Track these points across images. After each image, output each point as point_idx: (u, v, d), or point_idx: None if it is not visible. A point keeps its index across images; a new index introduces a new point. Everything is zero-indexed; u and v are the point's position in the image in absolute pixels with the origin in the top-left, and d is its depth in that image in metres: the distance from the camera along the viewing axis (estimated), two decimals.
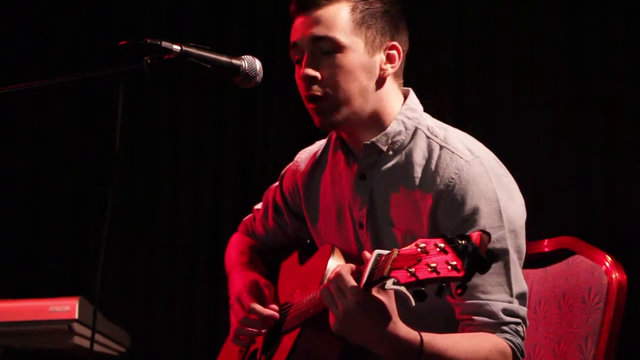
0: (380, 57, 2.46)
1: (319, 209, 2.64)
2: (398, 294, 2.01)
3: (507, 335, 2.31)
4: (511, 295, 2.33)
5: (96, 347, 4.02)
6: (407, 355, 2.16)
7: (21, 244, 5.13)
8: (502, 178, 2.41)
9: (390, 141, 2.47)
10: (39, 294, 4.19)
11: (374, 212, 2.48)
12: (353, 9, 2.44)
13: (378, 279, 2.02)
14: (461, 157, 2.39)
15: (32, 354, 4.04)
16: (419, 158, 2.44)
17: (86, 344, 3.92)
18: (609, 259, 2.61)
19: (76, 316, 3.88)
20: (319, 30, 2.43)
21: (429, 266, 1.90)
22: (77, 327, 3.89)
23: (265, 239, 2.90)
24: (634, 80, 4.19)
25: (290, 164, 2.80)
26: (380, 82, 2.46)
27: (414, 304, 1.95)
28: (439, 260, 1.90)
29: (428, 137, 2.46)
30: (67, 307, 3.90)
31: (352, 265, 2.18)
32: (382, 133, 2.47)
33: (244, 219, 2.99)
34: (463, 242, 1.90)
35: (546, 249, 2.75)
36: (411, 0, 2.57)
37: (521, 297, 2.35)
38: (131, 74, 2.32)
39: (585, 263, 2.65)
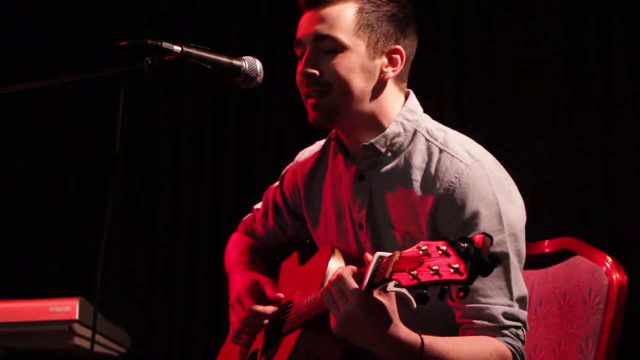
0: (382, 60, 2.46)
1: (319, 209, 2.64)
2: (399, 296, 2.01)
3: (508, 339, 2.31)
4: (511, 299, 2.33)
5: (96, 348, 4.02)
6: (407, 358, 2.17)
7: (22, 245, 5.13)
8: (502, 181, 2.40)
9: (389, 143, 2.47)
10: (40, 294, 4.20)
11: (373, 214, 2.48)
12: (359, 10, 2.44)
13: (380, 281, 2.02)
14: (461, 161, 2.38)
15: (33, 354, 4.04)
16: (418, 161, 2.43)
17: (86, 344, 3.92)
18: (610, 259, 2.61)
19: (76, 317, 3.89)
20: (322, 29, 2.44)
21: (431, 269, 1.90)
22: (77, 327, 3.90)
23: (265, 238, 2.90)
24: (634, 80, 4.19)
25: (291, 164, 2.80)
26: (380, 85, 2.46)
27: (415, 306, 1.95)
28: (441, 263, 1.90)
29: (427, 140, 2.46)
30: (67, 308, 3.90)
31: (354, 267, 2.17)
32: (381, 134, 2.46)
33: (244, 218, 2.99)
34: (465, 245, 1.90)
35: (546, 250, 2.75)
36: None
37: (521, 301, 2.35)
38: (132, 74, 2.32)
39: (586, 264, 2.65)
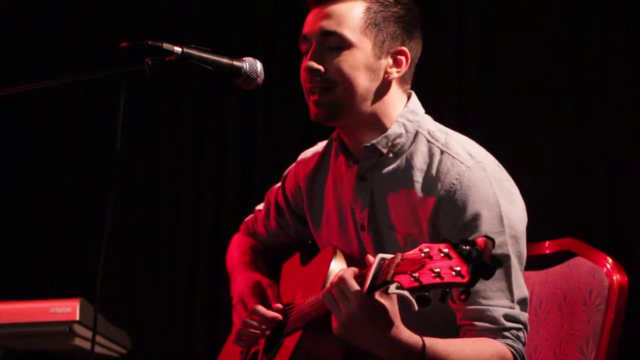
0: (388, 60, 2.46)
1: (321, 210, 2.64)
2: (401, 298, 2.01)
3: (508, 341, 2.31)
4: (512, 301, 2.33)
5: (97, 349, 4.03)
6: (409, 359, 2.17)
7: (22, 245, 5.13)
8: (503, 182, 2.40)
9: (390, 144, 2.47)
10: (40, 295, 4.20)
11: (375, 215, 2.48)
12: (367, 9, 2.44)
13: (381, 283, 2.02)
14: (462, 163, 2.38)
15: (33, 355, 4.04)
16: (419, 162, 2.43)
17: (87, 345, 3.93)
18: (610, 260, 2.61)
19: (77, 318, 3.89)
20: (328, 25, 2.44)
21: (432, 271, 1.90)
22: (78, 328, 3.90)
23: (267, 239, 2.90)
24: (634, 80, 4.19)
25: (293, 165, 2.80)
26: (384, 85, 2.46)
27: (417, 308, 1.95)
28: (443, 265, 1.90)
29: (429, 141, 2.46)
30: (68, 309, 3.90)
31: (356, 269, 2.17)
32: (383, 135, 2.46)
33: (246, 219, 2.99)
34: (467, 247, 1.90)
35: (547, 251, 2.75)
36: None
37: (522, 303, 2.35)
38: (132, 75, 2.31)
39: (586, 265, 2.64)
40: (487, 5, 4.48)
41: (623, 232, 4.11)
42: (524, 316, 2.34)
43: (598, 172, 4.20)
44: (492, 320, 2.31)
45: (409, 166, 2.44)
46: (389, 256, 2.04)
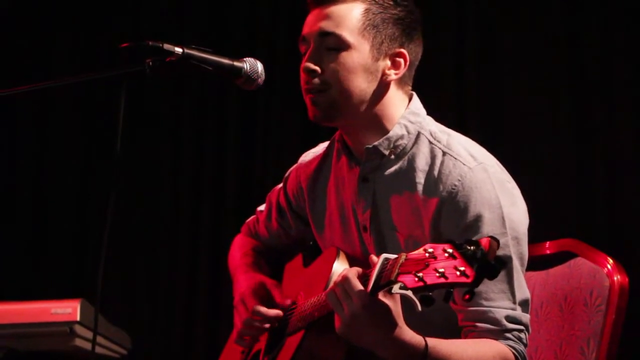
0: (386, 62, 2.46)
1: (323, 211, 2.64)
2: (404, 298, 2.01)
3: (510, 342, 2.31)
4: (514, 302, 2.33)
5: (97, 349, 4.03)
6: None
7: (23, 246, 5.13)
8: (505, 184, 2.40)
9: (392, 145, 2.47)
10: (41, 296, 4.20)
11: (377, 216, 2.48)
12: (366, 11, 2.44)
13: (385, 283, 2.02)
14: (464, 164, 2.38)
15: (34, 355, 4.04)
16: (421, 164, 2.43)
17: (88, 346, 3.93)
18: (611, 261, 2.61)
19: (78, 318, 3.89)
20: (327, 26, 2.44)
21: (437, 271, 1.90)
22: (78, 329, 3.90)
23: (269, 240, 2.90)
24: (634, 80, 4.19)
25: (294, 165, 2.80)
26: (382, 87, 2.46)
27: (420, 308, 1.95)
28: (447, 265, 1.89)
29: (431, 143, 2.45)
30: (68, 309, 3.90)
31: (359, 269, 2.17)
32: (384, 137, 2.46)
33: (247, 220, 2.99)
34: (472, 247, 1.90)
35: (548, 252, 2.75)
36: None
37: (524, 304, 2.35)
38: (133, 76, 2.31)
39: (587, 265, 2.64)
40: (487, 5, 4.48)
41: (623, 232, 4.11)
42: (526, 317, 2.35)
43: (598, 172, 4.20)
44: (494, 321, 2.31)
45: (411, 168, 2.44)
46: (392, 256, 2.04)
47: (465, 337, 2.34)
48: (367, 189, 2.49)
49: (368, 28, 2.44)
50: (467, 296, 1.90)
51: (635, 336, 3.56)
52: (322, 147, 2.73)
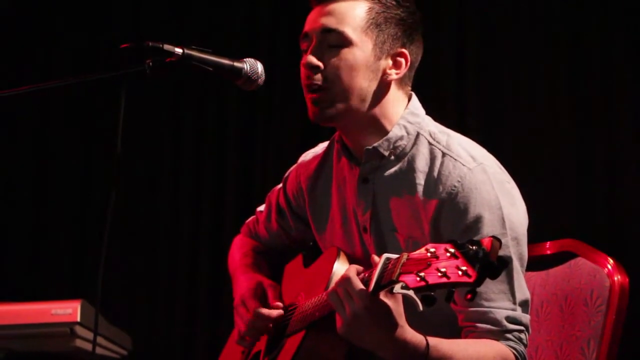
0: (387, 61, 2.45)
1: (324, 212, 2.64)
2: (405, 298, 2.01)
3: (511, 343, 2.31)
4: (514, 303, 2.33)
5: (98, 350, 4.03)
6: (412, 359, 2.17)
7: (23, 247, 5.13)
8: (505, 184, 2.40)
9: (392, 146, 2.46)
10: (41, 296, 4.20)
11: (377, 217, 2.48)
12: (370, 9, 2.44)
13: (387, 283, 2.01)
14: (464, 165, 2.38)
15: (34, 356, 4.04)
16: (421, 165, 2.43)
17: (88, 346, 3.93)
18: (611, 261, 2.61)
19: (78, 319, 3.89)
20: (329, 22, 2.43)
21: (439, 271, 1.89)
22: (79, 329, 3.90)
23: (269, 241, 2.90)
24: (635, 81, 4.20)
25: (294, 166, 2.79)
26: (382, 86, 2.46)
27: (421, 308, 1.95)
28: (449, 265, 1.89)
29: (430, 143, 2.45)
30: (69, 310, 3.90)
31: (360, 269, 2.17)
32: (384, 138, 2.46)
33: (247, 221, 2.99)
34: (474, 247, 1.89)
35: (548, 252, 2.75)
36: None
37: (524, 305, 2.35)
38: (133, 76, 2.31)
39: (587, 265, 2.64)
40: (487, 5, 4.48)
41: (623, 233, 4.11)
42: (526, 318, 2.35)
43: (598, 172, 4.20)
44: (494, 322, 2.31)
45: (410, 169, 2.44)
46: (394, 256, 2.04)
47: (465, 337, 2.34)
48: (367, 189, 2.49)
49: (371, 26, 2.43)
50: (469, 296, 1.90)
51: (636, 336, 3.57)
52: (321, 147, 2.73)
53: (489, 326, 2.31)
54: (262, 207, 2.92)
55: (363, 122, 2.46)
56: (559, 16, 4.35)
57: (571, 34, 4.33)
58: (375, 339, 2.14)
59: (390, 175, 2.46)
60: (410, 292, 1.94)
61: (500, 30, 4.46)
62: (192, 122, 5.05)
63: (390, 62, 2.46)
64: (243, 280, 2.74)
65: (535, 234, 2.54)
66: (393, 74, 2.46)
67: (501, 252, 2.24)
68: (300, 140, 4.67)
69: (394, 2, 2.47)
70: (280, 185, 2.84)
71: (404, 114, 2.48)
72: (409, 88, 2.52)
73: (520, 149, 4.27)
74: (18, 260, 5.09)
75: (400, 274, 1.95)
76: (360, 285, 2.11)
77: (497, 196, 2.35)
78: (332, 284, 2.22)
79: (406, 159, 2.46)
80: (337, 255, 2.48)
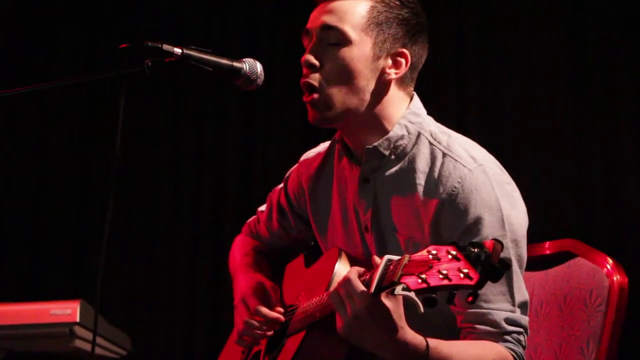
0: (387, 61, 2.45)
1: (325, 211, 2.64)
2: (405, 299, 2.01)
3: (510, 345, 2.31)
4: (513, 305, 2.33)
5: (97, 350, 4.03)
6: None
7: (22, 247, 5.13)
8: (505, 186, 2.40)
9: (392, 146, 2.46)
10: (41, 297, 4.20)
11: (378, 216, 2.47)
12: (372, 8, 2.44)
13: (388, 284, 2.01)
14: (464, 166, 2.38)
15: (34, 356, 4.04)
16: (422, 165, 2.43)
17: (87, 347, 3.93)
18: (610, 261, 2.61)
19: (77, 319, 3.89)
20: (330, 20, 2.43)
21: (440, 273, 1.89)
22: (78, 330, 3.90)
23: (270, 241, 2.90)
24: (635, 80, 4.19)
25: (295, 165, 2.79)
26: (381, 85, 2.45)
27: (422, 310, 1.95)
28: (451, 267, 1.89)
29: (431, 144, 2.45)
30: (68, 311, 3.90)
31: (362, 269, 2.17)
32: (385, 137, 2.46)
33: (248, 221, 2.99)
34: (476, 250, 1.89)
35: (547, 252, 2.75)
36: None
37: (523, 306, 2.35)
38: (132, 76, 2.31)
39: (587, 265, 2.64)
40: (487, 5, 4.48)
41: (623, 232, 4.11)
42: (525, 320, 2.34)
43: (598, 172, 4.20)
44: (494, 323, 2.31)
45: (411, 168, 2.44)
46: (396, 257, 2.03)
47: (465, 338, 2.34)
48: (368, 189, 2.49)
49: (372, 25, 2.43)
50: (470, 298, 1.89)
51: (635, 336, 3.57)
52: (323, 146, 2.73)
53: (488, 328, 2.31)
54: (263, 207, 2.92)
55: (363, 121, 2.46)
56: (559, 16, 4.35)
57: (571, 34, 4.33)
58: (375, 340, 2.14)
59: (391, 175, 2.46)
60: (412, 294, 1.93)
61: (500, 30, 4.45)
62: (192, 122, 5.05)
63: (389, 61, 2.45)
64: (243, 280, 2.74)
65: (535, 234, 2.53)
66: (392, 74, 2.45)
67: (501, 255, 2.25)
68: (300, 140, 4.67)
69: (397, 3, 2.46)
70: (282, 185, 2.83)
71: (405, 114, 2.47)
72: (411, 89, 2.51)
73: (520, 149, 4.27)
74: (18, 260, 5.09)
75: (401, 275, 1.95)
76: (362, 287, 2.11)
77: (497, 197, 2.35)
78: (334, 285, 2.22)
79: (407, 158, 2.46)
80: (339, 256, 2.48)
